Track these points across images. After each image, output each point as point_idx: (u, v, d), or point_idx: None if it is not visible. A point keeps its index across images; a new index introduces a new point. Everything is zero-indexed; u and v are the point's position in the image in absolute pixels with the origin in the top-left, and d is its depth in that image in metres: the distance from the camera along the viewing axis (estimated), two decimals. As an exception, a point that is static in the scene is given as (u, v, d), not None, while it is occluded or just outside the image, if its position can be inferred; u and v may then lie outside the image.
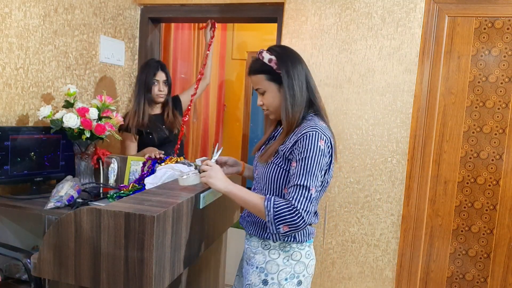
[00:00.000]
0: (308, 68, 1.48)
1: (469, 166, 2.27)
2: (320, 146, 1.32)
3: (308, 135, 1.33)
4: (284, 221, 1.28)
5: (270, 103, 1.45)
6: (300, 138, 1.34)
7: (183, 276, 1.74)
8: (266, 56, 1.42)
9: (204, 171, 1.42)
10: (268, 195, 1.36)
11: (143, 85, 2.46)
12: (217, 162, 1.55)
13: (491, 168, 2.24)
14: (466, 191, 2.29)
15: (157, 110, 2.57)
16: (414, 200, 2.34)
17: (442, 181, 2.31)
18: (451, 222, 2.32)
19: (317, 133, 1.33)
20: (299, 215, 1.27)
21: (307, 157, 1.31)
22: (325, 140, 1.34)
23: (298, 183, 1.30)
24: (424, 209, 2.34)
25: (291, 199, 1.29)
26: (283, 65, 1.40)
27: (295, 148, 1.35)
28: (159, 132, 2.50)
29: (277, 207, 1.29)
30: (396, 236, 2.38)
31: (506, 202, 2.23)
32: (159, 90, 2.49)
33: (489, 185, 2.25)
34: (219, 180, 1.39)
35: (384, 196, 2.38)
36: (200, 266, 1.96)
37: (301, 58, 1.47)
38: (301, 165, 1.31)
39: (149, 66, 2.50)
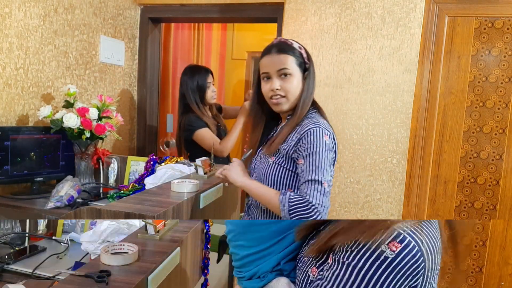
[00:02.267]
0: None
1: (469, 166, 2.27)
2: (325, 141, 1.31)
3: (312, 131, 1.32)
4: (299, 216, 1.25)
5: (293, 88, 1.39)
6: (304, 135, 1.32)
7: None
8: (295, 44, 1.44)
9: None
10: (283, 190, 1.34)
11: (196, 89, 2.49)
12: None
13: (491, 168, 2.24)
14: (466, 191, 2.29)
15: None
16: (414, 200, 2.34)
17: (442, 181, 2.31)
18: (451, 222, 2.32)
19: (320, 128, 1.32)
20: (315, 210, 1.24)
21: (314, 152, 1.29)
22: (329, 136, 1.34)
23: (309, 178, 1.27)
24: (424, 209, 2.34)
25: (305, 195, 1.26)
26: (310, 59, 1.44)
27: (300, 146, 1.33)
28: (222, 130, 2.62)
29: (292, 202, 1.26)
30: (396, 236, 2.38)
31: (506, 202, 2.23)
32: (212, 91, 2.57)
33: (489, 185, 2.25)
34: (236, 174, 1.41)
35: (384, 196, 2.38)
36: (200, 266, 1.95)
37: None
38: (309, 161, 1.29)
39: (197, 71, 2.54)
